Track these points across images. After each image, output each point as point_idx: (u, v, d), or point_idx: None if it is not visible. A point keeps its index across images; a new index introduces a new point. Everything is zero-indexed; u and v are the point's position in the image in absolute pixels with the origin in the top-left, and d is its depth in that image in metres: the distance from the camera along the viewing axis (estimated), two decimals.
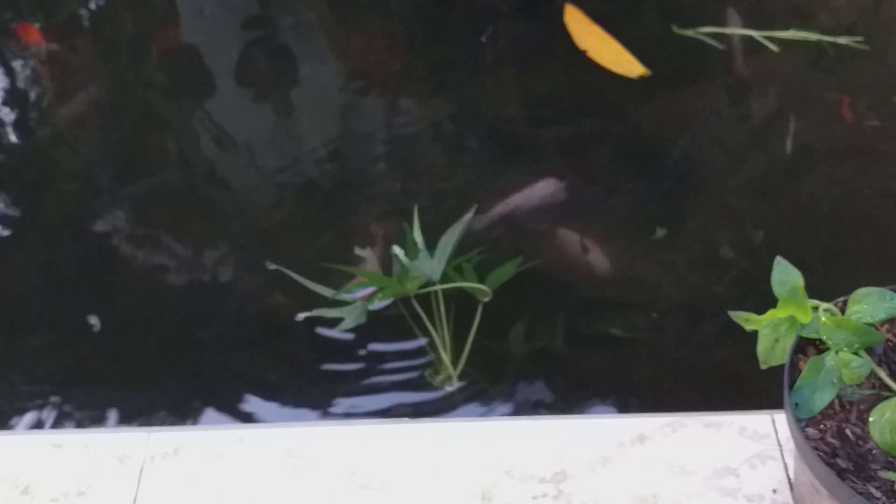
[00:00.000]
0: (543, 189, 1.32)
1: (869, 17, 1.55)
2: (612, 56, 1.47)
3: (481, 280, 1.18)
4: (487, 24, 1.56)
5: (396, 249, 1.21)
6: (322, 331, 1.16)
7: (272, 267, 1.23)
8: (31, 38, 1.61)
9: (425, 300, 1.18)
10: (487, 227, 1.27)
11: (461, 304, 1.18)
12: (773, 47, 1.48)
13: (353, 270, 1.20)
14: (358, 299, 1.17)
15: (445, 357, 1.13)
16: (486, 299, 1.17)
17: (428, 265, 1.19)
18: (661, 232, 1.26)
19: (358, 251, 1.24)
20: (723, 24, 1.52)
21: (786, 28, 1.50)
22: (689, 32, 1.51)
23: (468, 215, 1.25)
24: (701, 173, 1.35)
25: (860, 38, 1.47)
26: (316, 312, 1.17)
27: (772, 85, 1.47)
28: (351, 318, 1.16)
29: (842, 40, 1.47)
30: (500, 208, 1.30)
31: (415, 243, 1.22)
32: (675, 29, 1.51)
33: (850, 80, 1.45)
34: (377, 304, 1.17)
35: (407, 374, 1.13)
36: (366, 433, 0.88)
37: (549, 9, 1.55)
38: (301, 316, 1.17)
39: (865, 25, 1.52)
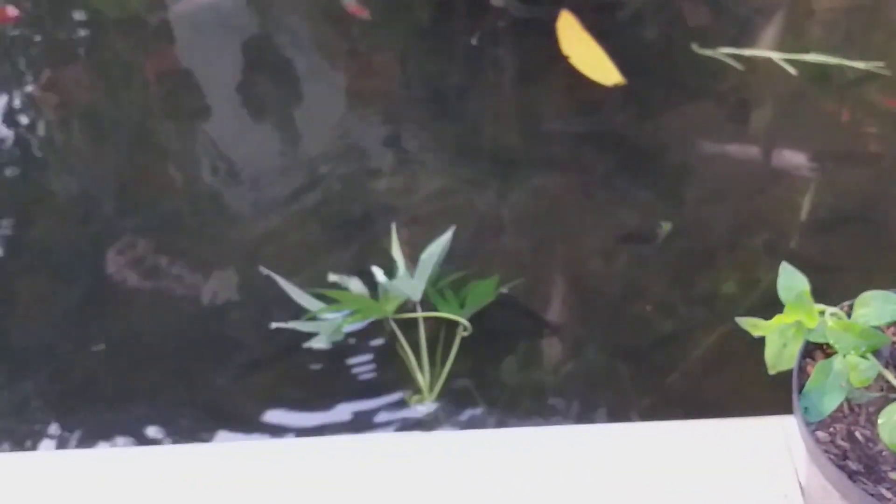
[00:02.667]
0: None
1: (890, 42, 1.56)
2: (592, 63, 1.49)
3: (462, 300, 1.15)
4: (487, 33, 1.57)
5: (375, 269, 1.20)
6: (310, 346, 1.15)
7: (265, 272, 1.21)
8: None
9: (405, 320, 1.16)
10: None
11: (443, 324, 1.15)
12: (793, 70, 1.49)
13: (326, 292, 1.17)
14: (340, 317, 1.15)
15: (421, 380, 1.11)
16: (465, 333, 1.14)
17: (407, 285, 1.16)
18: (666, 226, 1.25)
19: (332, 277, 1.22)
20: (742, 45, 1.54)
21: (805, 51, 1.51)
22: (709, 52, 1.53)
23: (448, 234, 1.22)
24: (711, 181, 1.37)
25: (881, 63, 1.48)
26: (291, 325, 1.15)
27: (788, 104, 1.49)
28: (326, 334, 1.13)
29: (862, 65, 1.48)
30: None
31: (393, 262, 1.20)
32: (696, 48, 1.53)
33: (869, 101, 1.46)
34: (350, 326, 1.14)
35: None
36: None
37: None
38: (273, 325, 1.16)
39: (887, 49, 1.53)
